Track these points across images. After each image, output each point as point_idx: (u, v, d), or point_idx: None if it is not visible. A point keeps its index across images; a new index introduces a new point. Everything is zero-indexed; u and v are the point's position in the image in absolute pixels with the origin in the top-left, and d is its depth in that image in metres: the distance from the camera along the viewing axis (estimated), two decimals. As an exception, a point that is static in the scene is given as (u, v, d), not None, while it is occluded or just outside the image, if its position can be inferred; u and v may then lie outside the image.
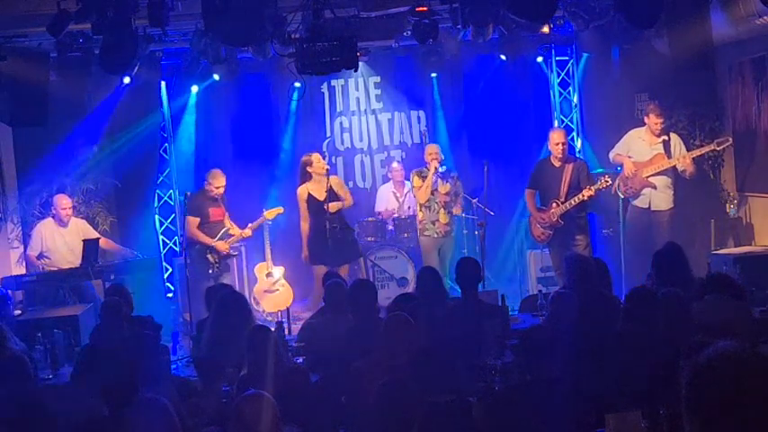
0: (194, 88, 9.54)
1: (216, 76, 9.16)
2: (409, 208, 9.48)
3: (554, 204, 8.32)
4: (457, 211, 9.09)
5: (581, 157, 9.55)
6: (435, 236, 8.96)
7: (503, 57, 9.33)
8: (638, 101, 9.50)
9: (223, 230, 8.61)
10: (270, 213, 8.76)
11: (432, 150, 9.02)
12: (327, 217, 8.47)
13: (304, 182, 8.73)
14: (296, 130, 10.07)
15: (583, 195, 8.17)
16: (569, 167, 8.35)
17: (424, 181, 8.91)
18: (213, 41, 7.38)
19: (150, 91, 9.35)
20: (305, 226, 8.72)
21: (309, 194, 8.65)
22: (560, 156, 8.36)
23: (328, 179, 8.59)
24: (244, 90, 9.80)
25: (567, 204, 8.25)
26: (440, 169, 8.88)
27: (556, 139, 8.42)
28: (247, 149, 9.97)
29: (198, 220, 8.56)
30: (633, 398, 4.04)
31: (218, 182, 8.60)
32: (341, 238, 8.58)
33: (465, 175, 9.65)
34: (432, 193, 8.92)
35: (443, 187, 8.93)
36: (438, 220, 8.95)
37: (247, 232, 8.79)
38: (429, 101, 10.25)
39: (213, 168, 8.85)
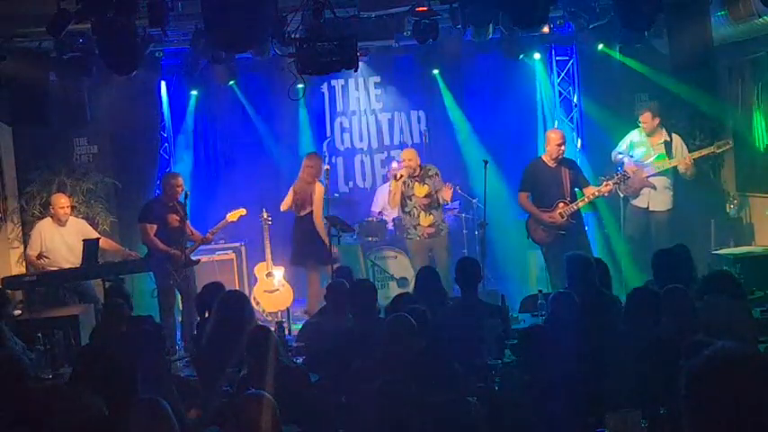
0: (194, 92, 9.60)
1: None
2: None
3: (561, 204, 8.16)
4: (445, 196, 8.70)
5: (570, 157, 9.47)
6: (419, 238, 8.80)
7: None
8: (638, 101, 9.50)
9: (184, 237, 8.20)
10: (232, 216, 8.52)
11: (404, 156, 8.90)
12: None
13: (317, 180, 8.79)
14: (296, 129, 10.07)
15: (595, 194, 8.10)
16: (565, 168, 8.24)
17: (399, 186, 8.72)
18: (214, 47, 7.35)
19: (150, 91, 9.35)
20: (320, 223, 8.64)
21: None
22: (560, 156, 8.23)
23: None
24: (243, 90, 9.79)
25: (576, 204, 8.13)
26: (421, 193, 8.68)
27: (557, 139, 8.26)
28: (247, 150, 9.97)
29: (155, 227, 8.19)
30: (633, 398, 4.04)
31: (180, 183, 8.35)
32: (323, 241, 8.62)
33: (465, 175, 9.64)
34: (409, 198, 8.74)
35: (421, 190, 8.70)
36: (419, 224, 8.76)
37: (209, 237, 8.51)
38: (429, 100, 10.23)
39: (171, 171, 8.91)
